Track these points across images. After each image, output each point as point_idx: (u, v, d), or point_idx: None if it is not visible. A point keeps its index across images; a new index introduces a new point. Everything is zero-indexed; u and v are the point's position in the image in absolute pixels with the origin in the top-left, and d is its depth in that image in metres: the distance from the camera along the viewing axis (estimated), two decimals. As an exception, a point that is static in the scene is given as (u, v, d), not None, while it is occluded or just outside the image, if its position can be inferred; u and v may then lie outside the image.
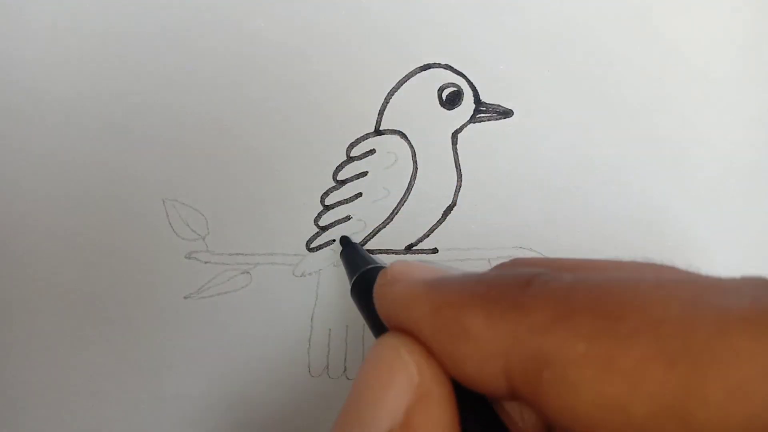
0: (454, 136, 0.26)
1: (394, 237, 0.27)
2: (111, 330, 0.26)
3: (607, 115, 0.27)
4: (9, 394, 0.26)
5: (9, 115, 0.24)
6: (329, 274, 0.27)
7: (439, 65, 0.26)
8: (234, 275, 0.26)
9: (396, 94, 0.26)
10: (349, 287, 0.22)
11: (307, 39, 0.25)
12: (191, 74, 0.25)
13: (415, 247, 0.27)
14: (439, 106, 0.26)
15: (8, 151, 0.24)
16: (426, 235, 0.27)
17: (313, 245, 0.26)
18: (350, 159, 0.26)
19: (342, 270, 0.26)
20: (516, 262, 0.16)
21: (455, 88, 0.26)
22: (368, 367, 0.14)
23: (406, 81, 0.26)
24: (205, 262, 0.26)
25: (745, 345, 0.09)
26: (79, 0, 0.24)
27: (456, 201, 0.27)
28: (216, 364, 0.27)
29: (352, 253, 0.25)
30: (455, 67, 0.26)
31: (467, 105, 0.26)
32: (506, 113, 0.26)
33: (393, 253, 0.27)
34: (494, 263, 0.27)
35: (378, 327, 0.18)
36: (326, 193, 0.26)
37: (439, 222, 0.27)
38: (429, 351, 0.13)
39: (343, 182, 0.26)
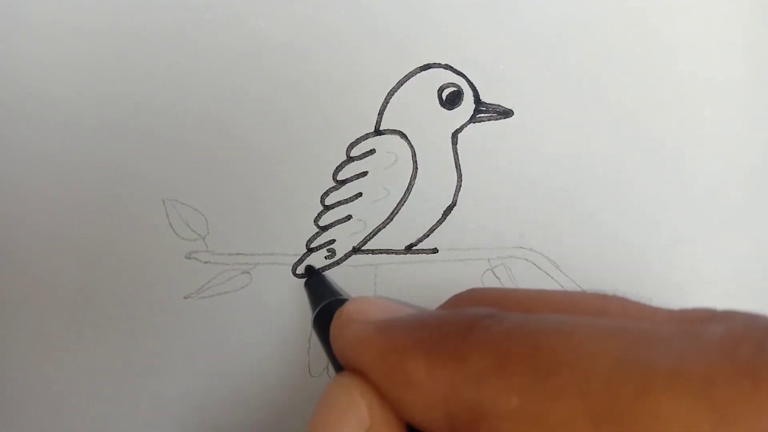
0: (454, 136, 0.26)
1: (394, 237, 0.27)
2: (111, 330, 0.26)
3: (607, 115, 0.27)
4: (9, 394, 0.26)
5: (9, 115, 0.24)
6: (329, 274, 0.27)
7: (439, 65, 0.26)
8: (234, 275, 0.26)
9: (396, 94, 0.26)
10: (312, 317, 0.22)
11: (307, 39, 0.25)
12: (191, 74, 0.25)
13: (415, 247, 0.27)
14: (439, 106, 0.26)
15: (8, 151, 0.24)
16: (426, 235, 0.27)
17: (313, 245, 0.26)
18: (350, 159, 0.26)
19: (342, 270, 0.26)
20: (471, 295, 0.16)
21: (455, 88, 0.26)
22: (322, 408, 0.14)
23: (406, 81, 0.26)
24: (205, 262, 0.26)
25: (666, 405, 0.09)
26: (79, 0, 0.24)
27: (456, 201, 0.27)
28: (216, 364, 0.27)
29: (315, 284, 0.25)
30: (455, 67, 0.26)
31: (467, 105, 0.26)
32: (506, 113, 0.26)
33: (393, 253, 0.27)
34: (494, 263, 0.27)
35: (336, 363, 0.18)
36: (326, 193, 0.26)
37: (439, 222, 0.27)
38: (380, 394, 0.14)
39: (343, 182, 0.26)
